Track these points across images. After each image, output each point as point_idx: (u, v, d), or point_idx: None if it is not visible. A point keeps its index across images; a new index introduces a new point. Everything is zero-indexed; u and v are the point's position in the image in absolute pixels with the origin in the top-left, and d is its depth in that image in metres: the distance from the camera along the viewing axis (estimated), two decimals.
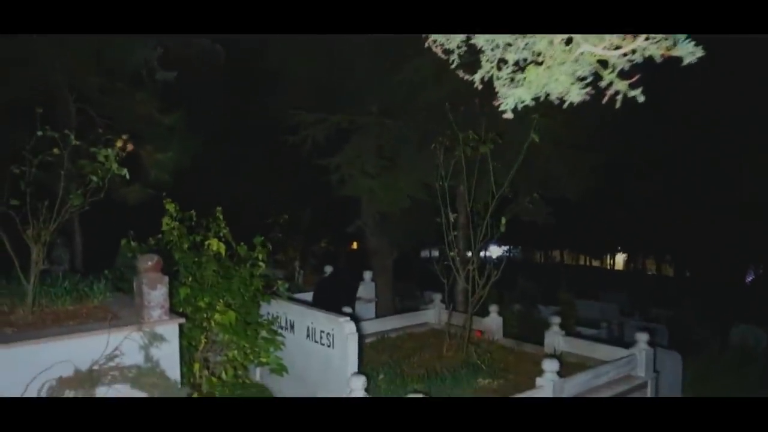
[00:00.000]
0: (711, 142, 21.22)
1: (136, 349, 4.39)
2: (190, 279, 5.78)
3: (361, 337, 6.08)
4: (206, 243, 5.85)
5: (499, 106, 2.36)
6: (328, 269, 11.05)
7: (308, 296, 9.99)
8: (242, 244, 6.38)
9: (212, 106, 10.78)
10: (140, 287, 4.55)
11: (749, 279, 36.52)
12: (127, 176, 4.78)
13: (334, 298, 9.57)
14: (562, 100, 2.23)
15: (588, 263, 56.18)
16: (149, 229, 6.65)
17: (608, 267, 55.03)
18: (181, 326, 4.73)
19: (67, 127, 5.86)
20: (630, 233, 35.97)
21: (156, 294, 4.54)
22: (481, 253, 11.27)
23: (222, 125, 12.00)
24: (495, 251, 7.53)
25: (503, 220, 7.21)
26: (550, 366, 5.93)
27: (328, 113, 9.32)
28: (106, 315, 4.86)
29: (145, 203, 8.08)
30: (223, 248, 5.85)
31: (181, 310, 5.82)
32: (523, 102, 2.22)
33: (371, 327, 8.90)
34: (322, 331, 5.84)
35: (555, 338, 8.05)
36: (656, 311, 20.28)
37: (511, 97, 2.19)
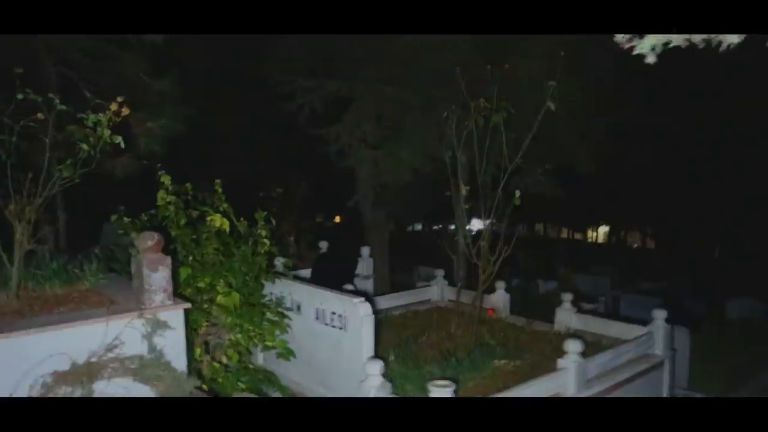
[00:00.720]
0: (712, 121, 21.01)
1: (138, 338, 3.94)
2: (190, 258, 5.32)
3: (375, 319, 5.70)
4: (208, 218, 5.38)
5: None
6: (324, 245, 10.63)
7: (305, 273, 9.61)
8: (243, 219, 5.92)
9: (204, 72, 10.18)
10: (140, 269, 4.09)
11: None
12: (122, 145, 4.27)
13: (333, 274, 9.17)
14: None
15: (571, 236, 56.25)
16: (139, 205, 6.15)
17: (591, 240, 55.14)
18: (186, 311, 4.29)
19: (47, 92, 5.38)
20: (611, 206, 35.91)
21: (158, 276, 4.08)
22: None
23: (214, 93, 11.39)
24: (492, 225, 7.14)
25: (517, 194, 6.80)
26: (574, 347, 5.61)
27: (326, 79, 8.81)
28: (101, 300, 4.42)
29: (132, 177, 7.54)
30: (227, 224, 5.38)
31: (179, 292, 5.39)
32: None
33: (374, 305, 8.52)
34: (333, 313, 5.44)
35: (567, 316, 7.75)
36: (646, 284, 20.21)
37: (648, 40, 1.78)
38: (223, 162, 12.90)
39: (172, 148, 8.00)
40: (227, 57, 11.07)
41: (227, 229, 5.41)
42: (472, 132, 6.90)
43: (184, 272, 5.08)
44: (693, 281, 21.99)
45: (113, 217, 5.68)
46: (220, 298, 5.25)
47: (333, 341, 5.46)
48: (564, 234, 56.24)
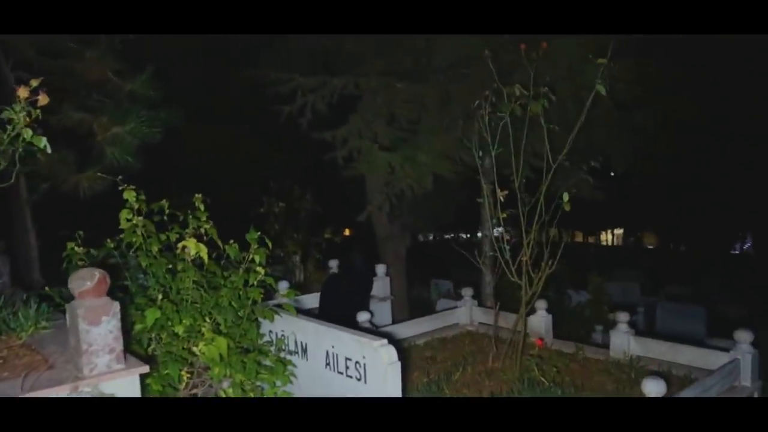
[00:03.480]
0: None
1: None
2: (160, 297, 4.13)
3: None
4: (180, 245, 4.18)
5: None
6: (334, 264, 9.46)
7: (314, 298, 8.42)
8: (232, 242, 4.72)
9: (188, 71, 9.04)
10: (75, 322, 2.91)
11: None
12: (48, 148, 3.10)
13: (345, 299, 7.97)
14: None
15: (585, 240, 54.72)
16: (114, 228, 4.99)
17: (605, 243, 53.60)
18: (143, 377, 3.12)
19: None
20: (626, 206, 34.50)
21: (100, 332, 2.90)
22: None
23: (201, 95, 10.23)
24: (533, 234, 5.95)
25: (566, 197, 5.60)
26: (656, 387, 4.37)
27: (329, 76, 7.65)
28: (32, 361, 3.25)
29: (108, 195, 6.36)
30: (204, 250, 4.19)
31: (151, 337, 4.20)
32: None
33: (393, 333, 7.32)
34: (348, 359, 4.23)
35: (623, 339, 6.51)
36: (673, 289, 18.88)
37: None
38: (215, 174, 11.71)
39: (153, 160, 6.84)
40: (216, 53, 9.89)
41: (205, 257, 4.21)
42: (506, 125, 5.72)
43: (151, 315, 3.88)
44: (721, 282, 20.67)
45: (69, 246, 4.52)
46: (201, 347, 4.06)
47: (350, 395, 4.24)
48: (578, 238, 54.75)
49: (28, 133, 3.03)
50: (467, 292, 8.18)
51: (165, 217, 4.71)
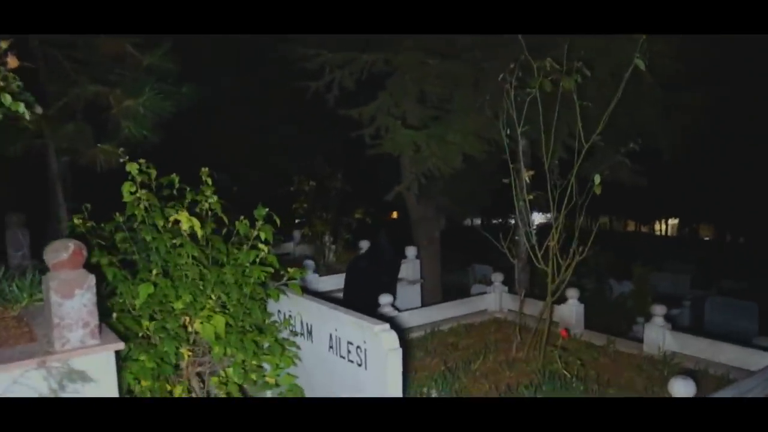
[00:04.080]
0: None
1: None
2: (154, 272, 3.99)
3: (406, 345, 4.30)
4: (171, 218, 4.04)
5: None
6: (364, 244, 9.28)
7: (338, 279, 8.27)
8: (243, 218, 4.56)
9: (212, 45, 8.90)
10: (48, 295, 2.79)
11: None
12: (26, 114, 2.97)
13: (370, 281, 7.80)
14: None
15: (638, 229, 53.02)
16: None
17: (659, 233, 51.79)
18: (120, 354, 2.99)
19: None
20: (683, 195, 33.03)
21: (73, 305, 2.77)
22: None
23: (226, 71, 10.08)
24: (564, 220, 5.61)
25: (597, 179, 5.23)
26: (684, 388, 4.02)
27: (358, 52, 7.38)
28: (20, 333, 3.16)
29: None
30: (197, 224, 4.03)
31: (149, 314, 4.09)
32: None
33: (417, 318, 7.11)
34: (349, 343, 4.03)
35: (659, 333, 6.11)
36: (727, 283, 17.98)
37: None
38: (241, 151, 11.59)
39: (174, 136, 6.74)
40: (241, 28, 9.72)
41: (199, 231, 4.06)
42: (536, 101, 5.37)
43: (144, 290, 3.76)
44: None
45: (71, 221, 4.43)
46: (197, 325, 3.92)
47: (351, 380, 4.05)
48: (631, 227, 53.01)
49: (6, 99, 2.90)
50: (497, 277, 7.88)
51: (174, 192, 4.58)
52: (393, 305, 6.89)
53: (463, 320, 7.25)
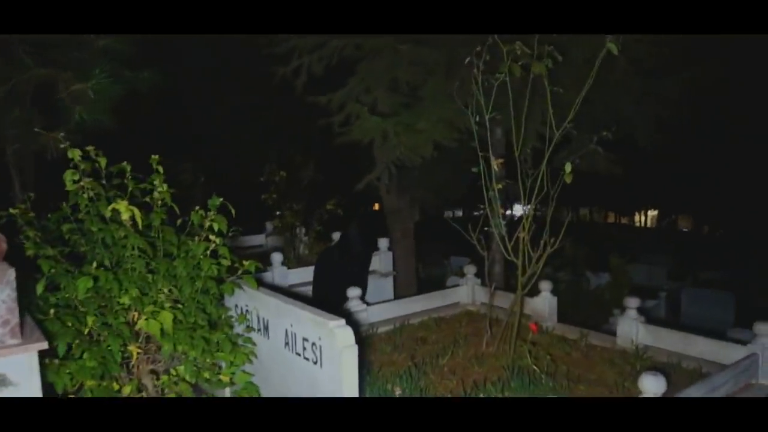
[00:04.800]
0: None
1: None
2: (94, 265, 3.75)
3: (365, 341, 4.10)
4: (109, 207, 3.79)
5: None
6: (336, 236, 9.07)
7: (305, 272, 8.06)
8: (198, 209, 4.33)
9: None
10: None
11: None
12: None
13: (340, 273, 7.59)
14: None
15: (617, 221, 53.32)
16: None
17: (638, 225, 52.12)
18: (43, 357, 2.75)
19: None
20: (662, 186, 33.15)
21: None
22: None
23: (188, 54, 9.73)
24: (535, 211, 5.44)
25: (568, 167, 5.07)
26: (654, 385, 3.87)
27: (328, 35, 7.12)
28: None
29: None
30: (138, 214, 3.79)
31: (94, 310, 3.84)
32: None
33: (387, 311, 6.92)
34: (305, 340, 3.83)
35: (632, 326, 5.98)
36: (704, 274, 18.02)
37: None
38: (208, 140, 11.25)
39: (137, 124, 6.45)
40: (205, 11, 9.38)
41: (139, 221, 3.82)
42: (506, 87, 5.18)
43: (83, 285, 3.52)
44: (760, 270, 19.63)
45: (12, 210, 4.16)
46: (141, 321, 3.68)
47: (306, 379, 3.85)
48: (611, 218, 53.24)
49: None
50: (470, 269, 7.72)
51: (125, 181, 4.33)
52: (362, 299, 6.70)
53: (434, 313, 7.08)
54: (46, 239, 4.28)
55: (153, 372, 4.34)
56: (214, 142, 11.39)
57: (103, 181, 4.16)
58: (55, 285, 3.93)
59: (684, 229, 46.99)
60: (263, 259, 6.50)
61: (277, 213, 9.47)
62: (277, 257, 7.95)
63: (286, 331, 4.02)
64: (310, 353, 3.75)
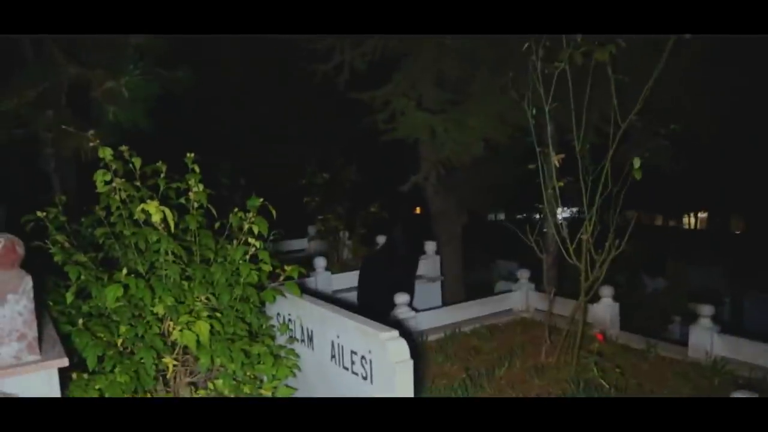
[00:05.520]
0: None
1: None
2: (124, 272, 3.47)
3: (419, 352, 3.75)
4: (137, 209, 3.51)
5: None
6: (381, 240, 8.73)
7: (356, 277, 7.72)
8: (237, 211, 4.04)
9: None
10: None
11: None
12: None
13: (385, 279, 7.23)
14: None
15: (665, 223, 51.59)
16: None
17: (689, 227, 50.28)
18: (66, 373, 2.48)
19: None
20: (712, 186, 31.65)
21: (5, 313, 2.27)
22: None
23: (227, 53, 9.50)
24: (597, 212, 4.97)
25: (637, 162, 4.62)
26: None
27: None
28: None
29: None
30: (170, 215, 3.51)
31: (128, 320, 3.57)
32: None
33: (437, 318, 6.55)
34: (353, 352, 3.48)
35: (706, 336, 5.46)
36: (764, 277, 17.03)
37: None
38: (246, 141, 10.97)
39: (176, 125, 6.24)
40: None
41: (171, 223, 3.53)
42: (565, 77, 4.76)
43: (111, 293, 3.25)
44: None
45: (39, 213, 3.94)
46: (176, 333, 3.40)
47: (354, 395, 3.50)
48: (658, 221, 51.56)
49: None
50: (524, 274, 7.28)
51: (159, 182, 4.06)
52: (410, 305, 6.34)
53: (486, 321, 6.68)
54: (80, 244, 4.06)
55: (192, 384, 4.07)
56: (254, 143, 11.16)
57: (137, 183, 3.90)
58: (87, 293, 3.69)
59: (737, 232, 45.15)
60: (306, 264, 6.22)
61: (320, 217, 9.18)
62: (320, 262, 7.65)
63: (332, 342, 3.68)
64: (359, 368, 3.40)
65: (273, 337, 4.15)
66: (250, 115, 11.07)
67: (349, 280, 7.85)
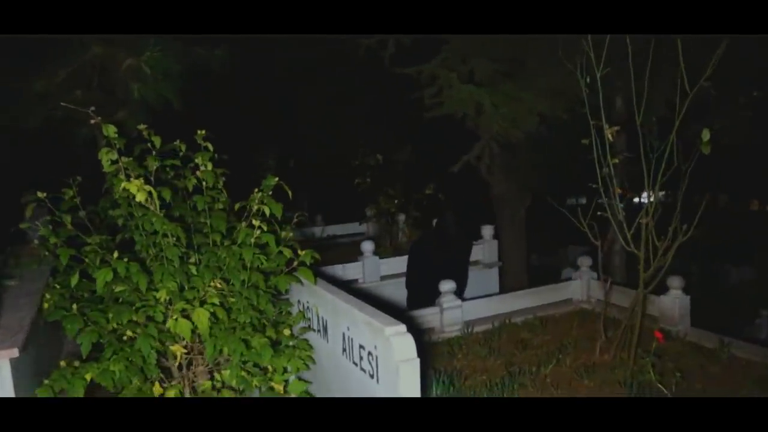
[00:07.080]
0: None
1: None
2: (115, 255, 3.25)
3: (426, 351, 3.38)
4: (120, 186, 3.28)
5: None
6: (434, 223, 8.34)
7: (396, 263, 7.40)
8: (257, 191, 3.76)
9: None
10: None
11: None
12: None
13: (435, 264, 6.84)
14: None
15: (761, 208, 48.06)
16: None
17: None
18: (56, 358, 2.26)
19: None
20: None
21: None
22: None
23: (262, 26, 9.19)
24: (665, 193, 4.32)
25: (705, 135, 4.01)
26: None
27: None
28: None
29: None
30: (155, 192, 3.25)
31: (129, 302, 3.38)
32: None
33: (486, 308, 6.12)
34: (361, 347, 3.15)
35: None
36: None
37: None
38: (297, 124, 10.65)
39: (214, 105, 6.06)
40: None
41: (157, 202, 3.29)
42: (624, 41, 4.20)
43: (101, 277, 3.05)
44: None
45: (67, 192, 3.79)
46: (170, 322, 3.17)
47: (363, 395, 3.17)
48: (754, 206, 48.14)
49: None
50: (584, 261, 6.71)
51: (179, 162, 3.85)
52: (458, 293, 5.94)
53: (541, 312, 6.18)
54: (97, 227, 3.91)
55: (210, 372, 3.87)
56: (304, 125, 10.89)
57: (146, 162, 3.68)
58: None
59: None
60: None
61: (373, 199, 8.88)
62: (367, 246, 7.36)
63: (343, 335, 3.37)
64: (367, 364, 3.07)
65: (289, 327, 3.87)
66: (299, 97, 10.76)
67: (397, 264, 7.53)
